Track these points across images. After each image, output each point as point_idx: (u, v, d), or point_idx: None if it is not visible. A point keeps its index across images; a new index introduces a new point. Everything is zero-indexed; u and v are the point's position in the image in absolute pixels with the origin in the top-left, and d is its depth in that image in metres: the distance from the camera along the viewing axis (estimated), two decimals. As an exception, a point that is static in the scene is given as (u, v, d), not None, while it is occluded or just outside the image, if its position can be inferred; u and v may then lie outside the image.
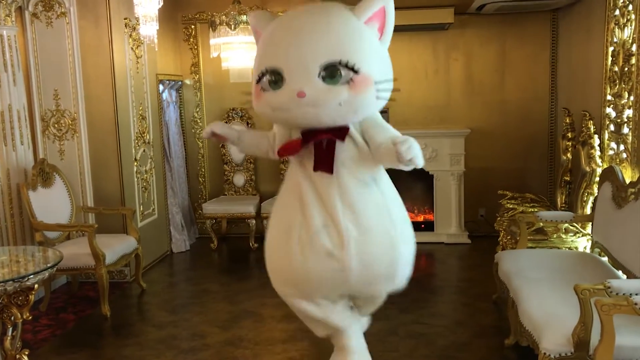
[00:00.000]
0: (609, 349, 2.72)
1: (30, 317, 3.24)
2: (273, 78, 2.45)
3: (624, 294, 2.78)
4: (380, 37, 2.57)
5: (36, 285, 3.17)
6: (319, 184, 2.62)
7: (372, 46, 2.52)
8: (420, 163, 2.36)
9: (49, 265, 3.17)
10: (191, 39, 6.98)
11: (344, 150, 2.61)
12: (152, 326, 4.54)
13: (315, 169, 2.60)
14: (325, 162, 2.58)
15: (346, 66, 2.38)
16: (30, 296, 3.16)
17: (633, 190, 3.72)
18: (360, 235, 2.58)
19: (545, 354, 2.96)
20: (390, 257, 2.65)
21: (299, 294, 2.79)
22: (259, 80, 2.51)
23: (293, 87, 2.40)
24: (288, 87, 2.42)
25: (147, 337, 4.31)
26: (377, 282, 2.74)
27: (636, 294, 2.73)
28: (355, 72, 2.39)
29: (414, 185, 6.69)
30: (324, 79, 2.39)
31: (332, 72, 2.38)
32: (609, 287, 2.82)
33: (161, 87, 6.50)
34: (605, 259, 4.13)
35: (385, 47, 2.63)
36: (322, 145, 2.58)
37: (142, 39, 4.65)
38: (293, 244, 2.63)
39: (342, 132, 2.58)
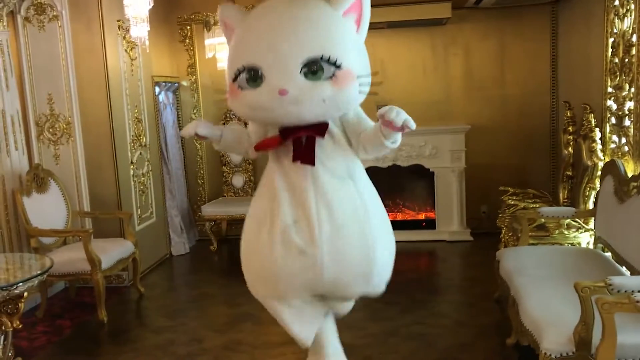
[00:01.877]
0: (611, 348, 2.64)
1: (20, 326, 3.18)
2: (251, 75, 2.35)
3: (625, 292, 2.70)
4: (357, 30, 2.50)
5: (25, 293, 3.11)
6: (294, 178, 2.54)
7: (351, 39, 2.45)
8: (413, 125, 2.30)
9: (38, 272, 3.11)
10: (187, 40, 6.92)
11: (320, 145, 2.53)
12: (149, 331, 4.48)
13: (295, 159, 2.51)
14: (305, 156, 2.49)
15: (328, 61, 2.30)
16: (20, 304, 3.10)
17: (635, 184, 3.64)
18: (333, 232, 2.49)
19: (546, 354, 2.89)
20: (364, 255, 2.55)
21: (271, 293, 2.70)
22: (235, 78, 2.41)
23: (274, 85, 2.32)
24: (268, 85, 2.33)
25: (145, 343, 4.26)
26: (351, 282, 2.63)
27: (638, 292, 2.66)
28: (338, 67, 2.32)
29: (414, 183, 6.62)
30: (305, 75, 2.31)
31: (313, 68, 2.30)
32: (611, 285, 2.74)
33: (157, 89, 6.45)
34: (608, 254, 4.05)
35: (362, 40, 2.55)
36: (301, 141, 2.51)
37: (133, 40, 4.59)
38: (263, 241, 2.56)
39: (321, 128, 2.50)
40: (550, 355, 2.87)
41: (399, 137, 2.44)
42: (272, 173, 2.64)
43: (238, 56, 2.44)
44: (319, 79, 2.32)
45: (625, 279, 2.90)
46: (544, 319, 3.06)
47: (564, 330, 2.88)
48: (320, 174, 2.52)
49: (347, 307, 3.01)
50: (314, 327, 2.82)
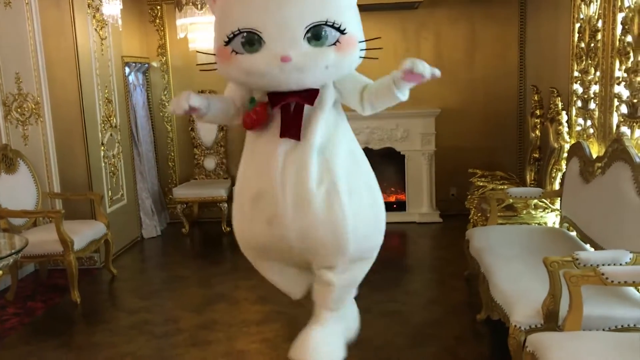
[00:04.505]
0: (577, 319, 2.76)
1: (-5, 305, 3.16)
2: (248, 39, 2.23)
3: (591, 265, 2.82)
4: None
5: (0, 272, 3.08)
6: (267, 146, 2.44)
7: (352, 3, 2.38)
8: (438, 73, 2.25)
9: (13, 251, 3.09)
10: (157, 20, 6.84)
11: (315, 112, 2.44)
12: (124, 312, 4.48)
13: (282, 135, 2.41)
14: (292, 128, 2.40)
15: (332, 26, 2.23)
16: (-6, 283, 3.08)
17: (599, 164, 3.77)
18: (296, 206, 2.39)
19: (516, 326, 2.99)
20: (332, 231, 2.43)
21: (253, 257, 2.71)
22: (228, 42, 2.26)
23: (275, 50, 2.21)
24: (269, 50, 2.22)
25: (119, 323, 4.25)
26: (324, 255, 2.53)
27: (603, 265, 2.78)
28: (342, 32, 2.25)
29: (385, 166, 6.70)
30: (309, 40, 2.23)
31: (317, 34, 2.22)
32: (577, 259, 2.86)
33: (127, 70, 6.36)
34: (574, 233, 4.19)
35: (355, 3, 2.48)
36: (289, 109, 2.41)
37: (105, 19, 4.52)
38: (242, 209, 2.55)
39: (311, 95, 2.40)
40: (519, 327, 2.98)
41: (435, 71, 2.31)
42: (251, 140, 2.57)
43: (233, 18, 2.28)
44: (322, 44, 2.25)
45: (590, 253, 3.02)
46: (513, 293, 3.17)
47: (532, 303, 2.99)
48: (293, 146, 2.42)
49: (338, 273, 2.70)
50: (303, 284, 2.79)
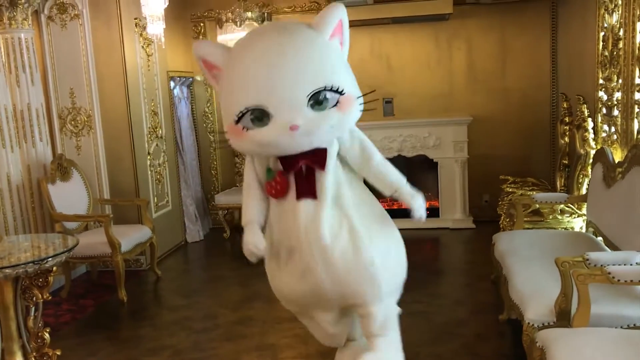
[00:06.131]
0: (585, 316, 2.88)
1: (49, 297, 3.48)
2: (257, 116, 2.38)
3: (601, 265, 2.93)
4: (342, 50, 2.56)
5: (54, 268, 3.41)
6: (291, 208, 2.61)
7: (342, 62, 2.53)
8: (424, 216, 2.76)
9: (65, 249, 3.42)
10: (200, 37, 7.22)
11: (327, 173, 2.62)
12: (166, 309, 4.80)
13: (299, 197, 2.58)
14: (307, 189, 2.58)
15: (331, 90, 2.38)
16: (49, 278, 3.41)
17: (620, 169, 3.86)
18: (325, 256, 2.59)
19: (529, 323, 3.13)
20: (362, 273, 2.64)
21: (299, 311, 2.95)
22: (238, 120, 2.41)
23: (283, 121, 2.36)
24: (277, 122, 2.37)
25: (162, 319, 4.58)
26: (359, 295, 2.71)
27: (613, 265, 2.89)
28: (340, 93, 2.41)
29: (418, 173, 6.86)
30: (312, 106, 2.38)
31: (319, 99, 2.38)
32: (587, 259, 2.98)
33: (172, 84, 6.75)
34: (600, 238, 4.26)
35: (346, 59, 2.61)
36: (302, 172, 2.58)
37: (150, 37, 4.88)
38: (278, 268, 2.73)
39: (320, 157, 2.56)
40: (533, 325, 3.11)
41: (424, 215, 2.76)
42: (273, 201, 2.72)
43: (240, 98, 2.42)
44: (325, 108, 2.40)
45: (601, 254, 3.13)
46: (528, 292, 3.30)
47: (546, 302, 3.11)
48: (311, 203, 2.58)
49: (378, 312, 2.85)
50: (344, 333, 3.01)
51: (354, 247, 2.61)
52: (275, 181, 2.64)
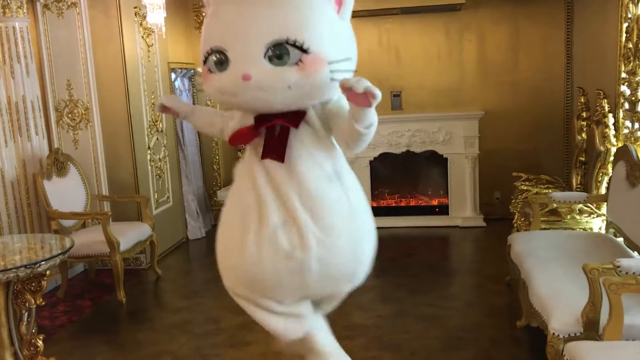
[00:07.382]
0: (617, 328, 2.69)
1: (43, 303, 3.30)
2: (218, 59, 2.22)
3: (633, 273, 2.74)
4: (338, 11, 2.27)
5: (48, 272, 3.22)
6: (277, 177, 2.33)
7: (325, 22, 2.23)
8: (377, 93, 1.96)
9: (60, 252, 3.22)
10: (202, 27, 6.98)
11: (301, 140, 2.32)
12: (166, 311, 4.61)
13: (264, 156, 2.32)
14: (275, 150, 2.30)
15: (294, 45, 2.13)
16: (42, 282, 3.21)
17: (646, 168, 3.66)
18: (320, 236, 2.30)
19: (554, 334, 2.93)
20: (351, 258, 2.40)
21: (250, 294, 2.50)
22: (205, 61, 2.28)
23: (238, 69, 2.18)
24: (233, 69, 2.20)
25: (162, 322, 4.38)
26: (336, 283, 2.48)
27: (646, 273, 2.70)
28: (305, 51, 2.14)
29: (428, 169, 6.67)
30: (270, 59, 2.15)
31: (279, 52, 2.14)
32: (618, 267, 2.78)
33: (173, 76, 6.54)
34: (620, 239, 4.07)
35: (344, 22, 2.32)
36: (274, 131, 2.32)
37: (150, 27, 4.67)
38: (249, 242, 2.34)
39: (296, 117, 2.30)
40: (558, 335, 2.92)
41: (370, 118, 2.12)
42: (252, 167, 2.41)
43: (207, 37, 2.28)
44: (284, 64, 2.15)
45: (633, 261, 2.93)
46: (552, 299, 3.11)
47: (572, 311, 2.92)
48: (304, 172, 2.32)
49: (333, 304, 2.77)
50: (302, 325, 2.60)
51: (348, 233, 2.36)
52: (240, 128, 2.43)
